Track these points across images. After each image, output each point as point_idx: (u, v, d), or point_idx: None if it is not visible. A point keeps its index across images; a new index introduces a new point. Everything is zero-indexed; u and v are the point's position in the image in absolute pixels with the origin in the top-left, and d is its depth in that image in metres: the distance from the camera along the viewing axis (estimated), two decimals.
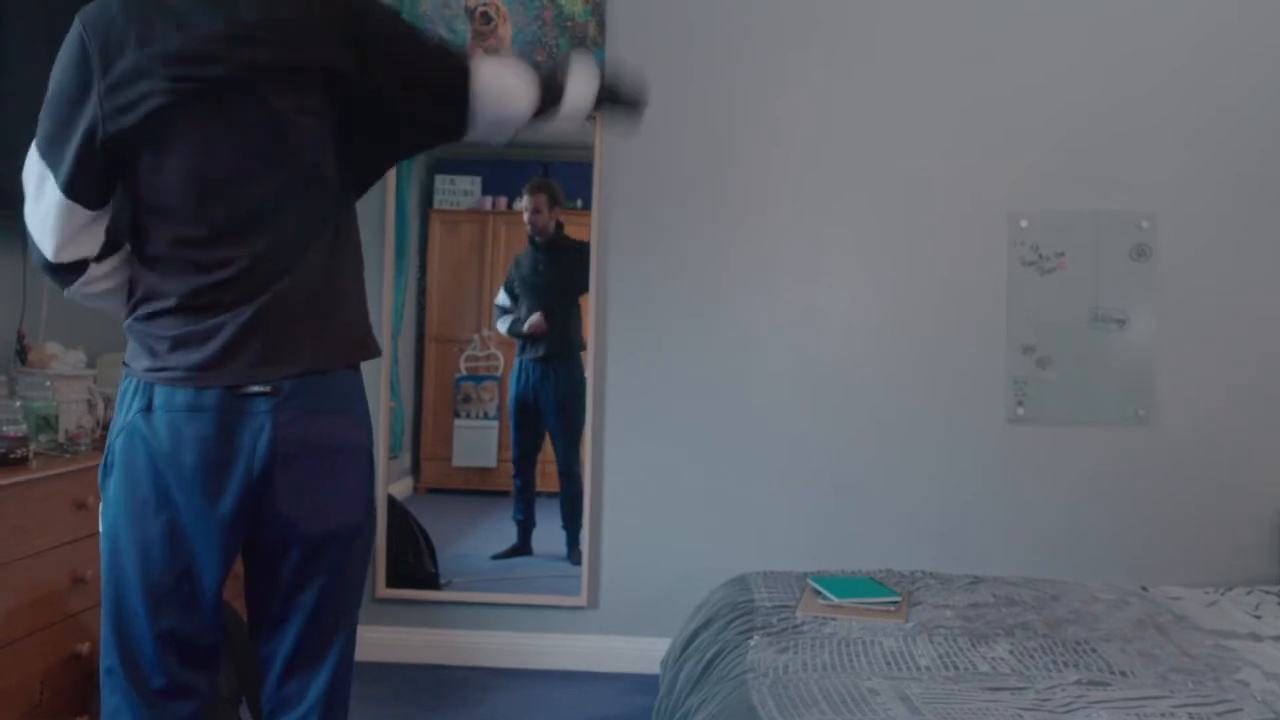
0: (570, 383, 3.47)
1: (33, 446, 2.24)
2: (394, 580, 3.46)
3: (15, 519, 2.03)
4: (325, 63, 1.54)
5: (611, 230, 3.41)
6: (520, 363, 3.55)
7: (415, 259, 3.53)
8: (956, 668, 2.05)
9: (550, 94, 1.68)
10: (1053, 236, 3.34)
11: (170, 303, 1.53)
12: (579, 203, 3.46)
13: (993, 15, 3.36)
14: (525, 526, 3.57)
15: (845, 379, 3.38)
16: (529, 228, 3.52)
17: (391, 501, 3.48)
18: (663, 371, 3.40)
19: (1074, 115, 3.33)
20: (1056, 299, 3.34)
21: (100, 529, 1.60)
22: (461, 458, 3.62)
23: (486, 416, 3.59)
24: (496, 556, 3.55)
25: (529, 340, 3.55)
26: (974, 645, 2.17)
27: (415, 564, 3.49)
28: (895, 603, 2.42)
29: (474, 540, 3.59)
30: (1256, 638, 2.29)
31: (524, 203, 3.51)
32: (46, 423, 2.35)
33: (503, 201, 3.56)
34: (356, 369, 1.66)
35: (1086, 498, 3.33)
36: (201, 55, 1.48)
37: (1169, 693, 1.91)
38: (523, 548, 3.56)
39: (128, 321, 1.59)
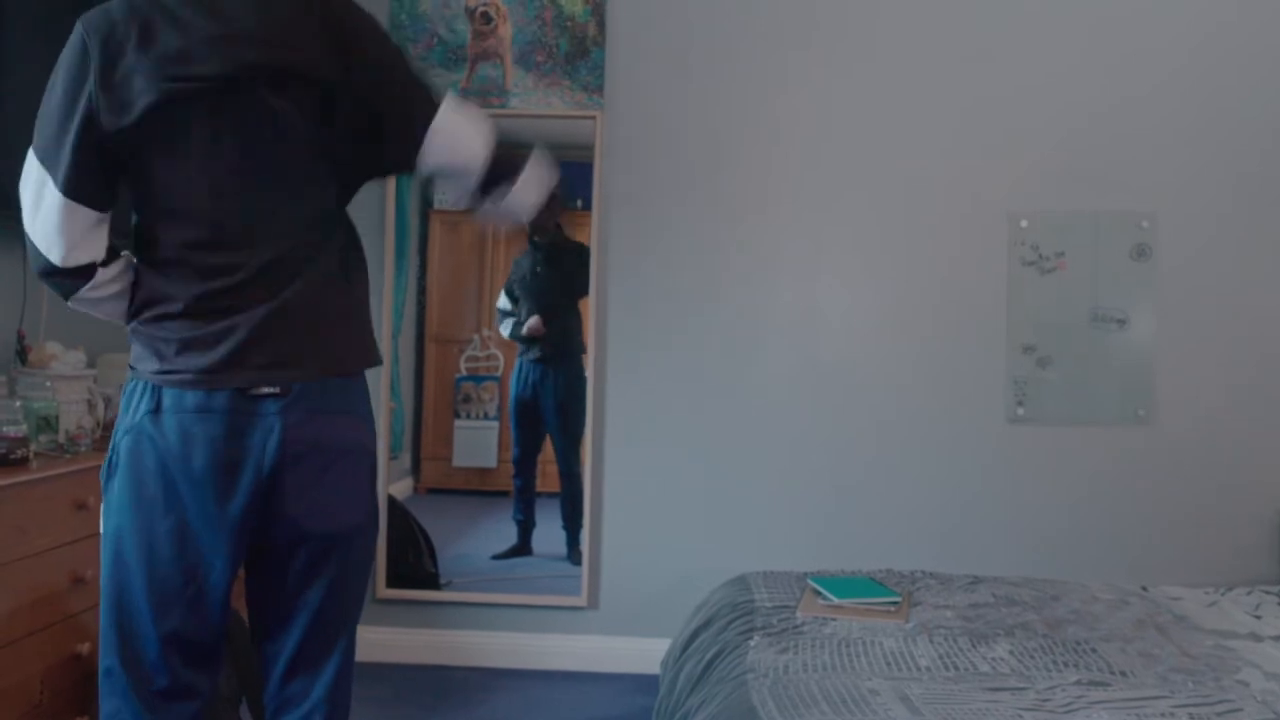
0: (570, 383, 3.47)
1: (33, 447, 2.24)
2: (394, 580, 3.47)
3: (15, 519, 2.03)
4: (319, 67, 1.54)
5: (611, 230, 3.41)
6: (521, 363, 3.55)
7: (415, 259, 3.53)
8: (957, 668, 2.05)
9: (502, 166, 1.64)
10: (1053, 236, 3.34)
11: (177, 306, 1.54)
12: (579, 203, 3.46)
13: (993, 15, 3.36)
14: (525, 527, 3.57)
15: (845, 379, 3.38)
16: (528, 227, 3.51)
17: (392, 502, 3.48)
18: (663, 372, 3.40)
19: (1074, 115, 3.34)
20: (1056, 299, 3.34)
21: (102, 529, 1.59)
22: (462, 458, 3.61)
23: (487, 417, 3.59)
24: (497, 557, 3.55)
25: (530, 341, 3.55)
26: (974, 645, 2.17)
27: (415, 564, 3.49)
28: (895, 603, 2.42)
29: (474, 540, 3.59)
30: (1256, 638, 2.29)
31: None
32: (47, 423, 2.35)
33: None
34: (361, 374, 1.67)
35: (1086, 498, 3.33)
36: (198, 56, 1.49)
37: (1169, 693, 1.91)
38: (523, 548, 3.56)
39: (132, 324, 1.59)
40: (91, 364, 2.67)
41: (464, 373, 3.59)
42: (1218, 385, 3.32)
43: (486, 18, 3.40)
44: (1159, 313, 3.33)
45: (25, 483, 2.07)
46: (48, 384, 2.41)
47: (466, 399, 3.59)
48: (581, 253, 3.42)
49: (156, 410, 1.53)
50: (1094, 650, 2.15)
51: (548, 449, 3.58)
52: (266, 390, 1.53)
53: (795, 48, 3.38)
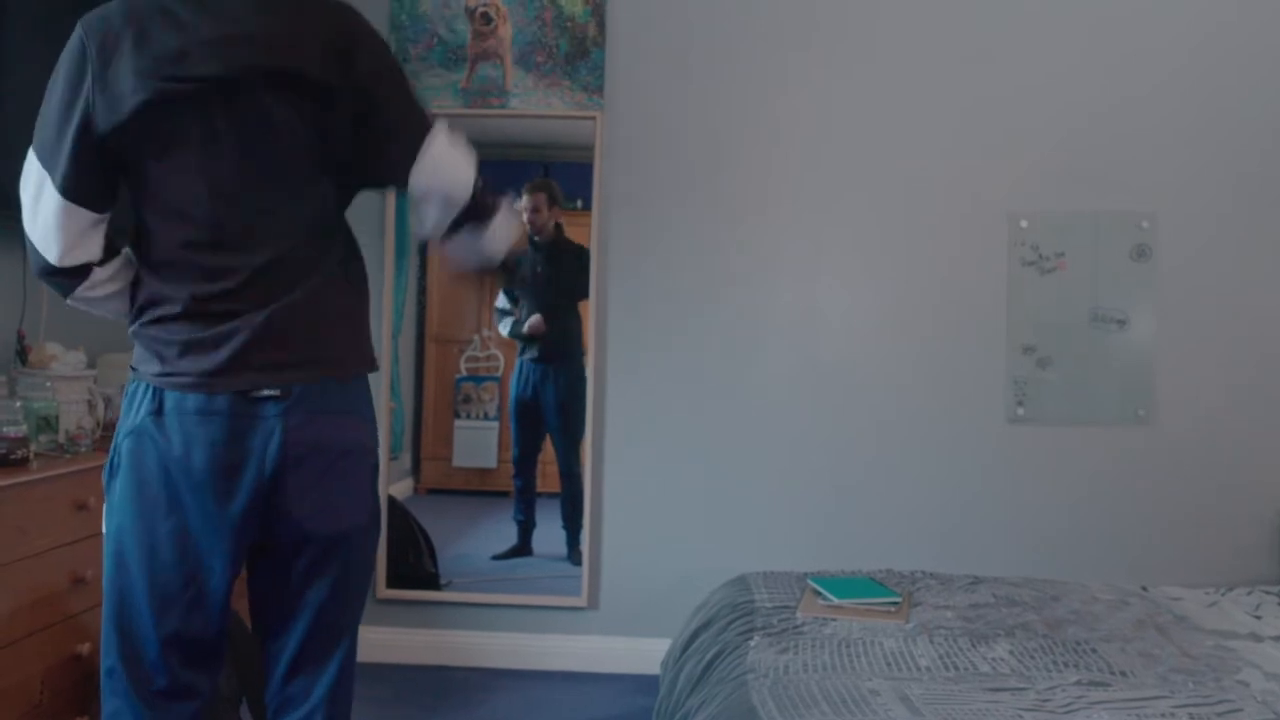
0: (571, 383, 3.47)
1: (33, 447, 2.24)
2: (394, 581, 3.47)
3: (15, 520, 2.03)
4: (318, 71, 1.54)
5: (611, 230, 3.41)
6: (521, 363, 3.55)
7: (415, 259, 3.53)
8: (957, 668, 2.05)
9: (483, 202, 1.67)
10: (1053, 236, 3.34)
11: (176, 308, 1.54)
12: (579, 203, 3.46)
13: (993, 15, 3.36)
14: (525, 527, 3.57)
15: (845, 379, 3.38)
16: (528, 227, 3.52)
17: (392, 502, 3.48)
18: (663, 372, 3.40)
19: (1074, 115, 3.34)
20: (1056, 299, 3.34)
21: (104, 530, 1.60)
22: (462, 458, 3.61)
23: (487, 417, 3.59)
24: (497, 557, 3.55)
25: (530, 340, 3.55)
26: (974, 646, 2.17)
27: (416, 564, 3.49)
28: (895, 603, 2.42)
29: (474, 541, 3.59)
30: (1257, 638, 2.29)
31: (523, 202, 3.51)
32: (47, 423, 2.35)
33: None
34: (363, 375, 1.67)
35: (1086, 498, 3.33)
36: (197, 56, 1.49)
37: (1169, 693, 1.91)
38: (523, 548, 3.56)
39: (133, 327, 1.60)
40: (92, 364, 2.67)
41: (464, 373, 3.59)
42: (1218, 385, 3.32)
43: (486, 18, 3.40)
44: (1159, 313, 3.33)
45: (25, 483, 2.07)
46: (48, 384, 2.41)
47: (466, 399, 3.59)
48: (582, 255, 3.42)
49: (158, 412, 1.53)
50: (1094, 650, 2.15)
51: (548, 449, 3.58)
52: (267, 392, 1.53)
53: (795, 48, 3.38)
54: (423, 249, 3.52)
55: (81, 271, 1.58)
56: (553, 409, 3.54)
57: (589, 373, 3.42)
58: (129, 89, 1.47)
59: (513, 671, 3.37)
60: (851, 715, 1.78)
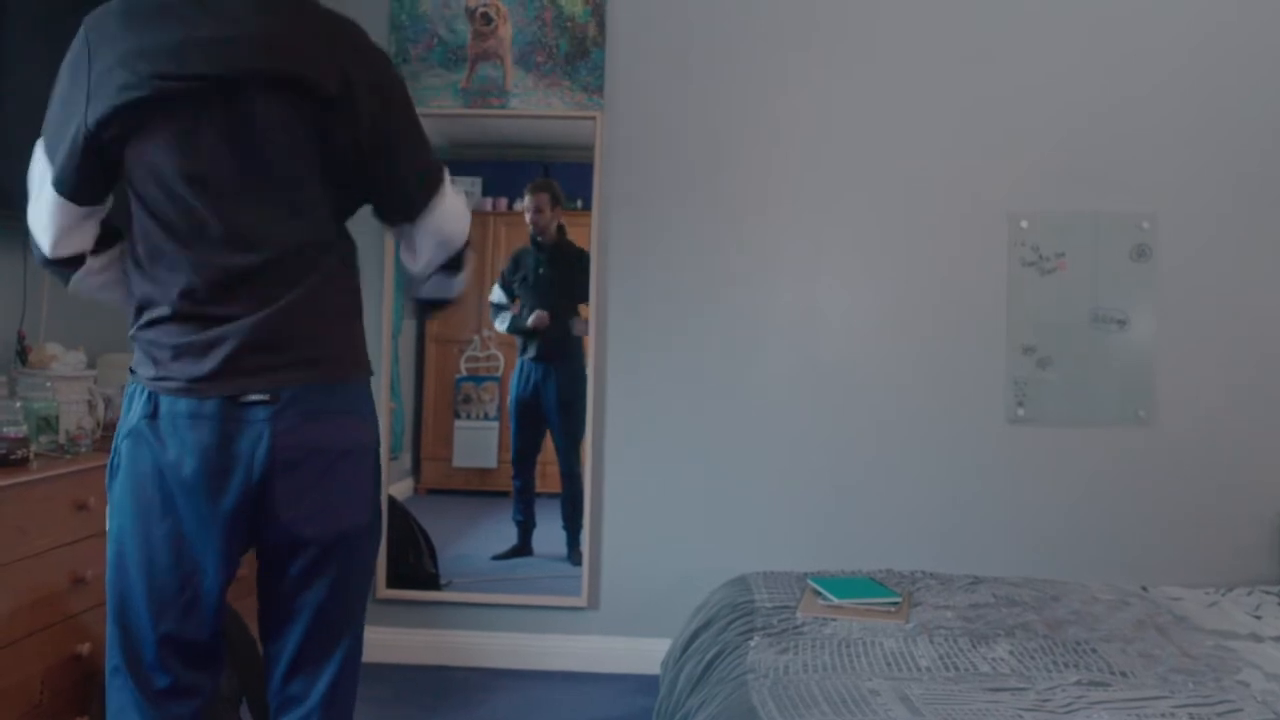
0: (572, 383, 3.47)
1: (33, 447, 2.24)
2: (394, 581, 3.47)
3: (15, 520, 2.03)
4: (319, 78, 1.53)
5: (611, 230, 3.41)
6: (522, 363, 3.55)
7: None
8: (957, 668, 2.05)
9: (464, 254, 1.75)
10: (1053, 237, 3.34)
11: (166, 310, 1.55)
12: (579, 203, 3.46)
13: (993, 15, 3.36)
14: (525, 527, 3.57)
15: (845, 379, 3.38)
16: (531, 228, 3.52)
17: (392, 502, 3.48)
18: (663, 372, 3.40)
19: (1074, 115, 3.34)
20: (1056, 299, 3.34)
21: (107, 529, 1.61)
22: (462, 458, 3.62)
23: (487, 417, 3.59)
24: (497, 557, 3.55)
25: (530, 339, 3.55)
26: (974, 646, 2.17)
27: (416, 565, 3.49)
28: (895, 603, 2.42)
29: (474, 541, 3.59)
30: (1257, 638, 2.29)
31: (526, 202, 3.51)
32: (47, 423, 2.35)
33: (503, 202, 3.56)
34: (362, 377, 1.67)
35: (1086, 498, 3.33)
36: (195, 56, 1.49)
37: (1169, 693, 1.91)
38: (523, 548, 3.56)
39: (131, 331, 1.61)
40: (92, 364, 2.67)
41: (464, 373, 3.59)
42: (1218, 385, 3.32)
43: (486, 18, 3.40)
44: (1159, 313, 3.33)
45: (25, 483, 2.07)
46: (48, 384, 2.41)
47: (466, 399, 3.59)
48: (583, 258, 3.42)
49: (153, 416, 1.54)
50: (1094, 651, 2.15)
51: (548, 449, 3.58)
52: (255, 397, 1.53)
53: (795, 48, 3.38)
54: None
55: (74, 261, 1.61)
56: (554, 408, 3.54)
57: (589, 372, 3.42)
58: (128, 86, 1.47)
59: (513, 671, 3.37)
60: (851, 715, 1.78)
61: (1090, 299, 3.33)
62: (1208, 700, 1.87)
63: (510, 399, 3.56)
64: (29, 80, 2.22)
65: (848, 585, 2.54)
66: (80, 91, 1.50)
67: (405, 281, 1.91)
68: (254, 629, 1.77)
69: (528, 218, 3.52)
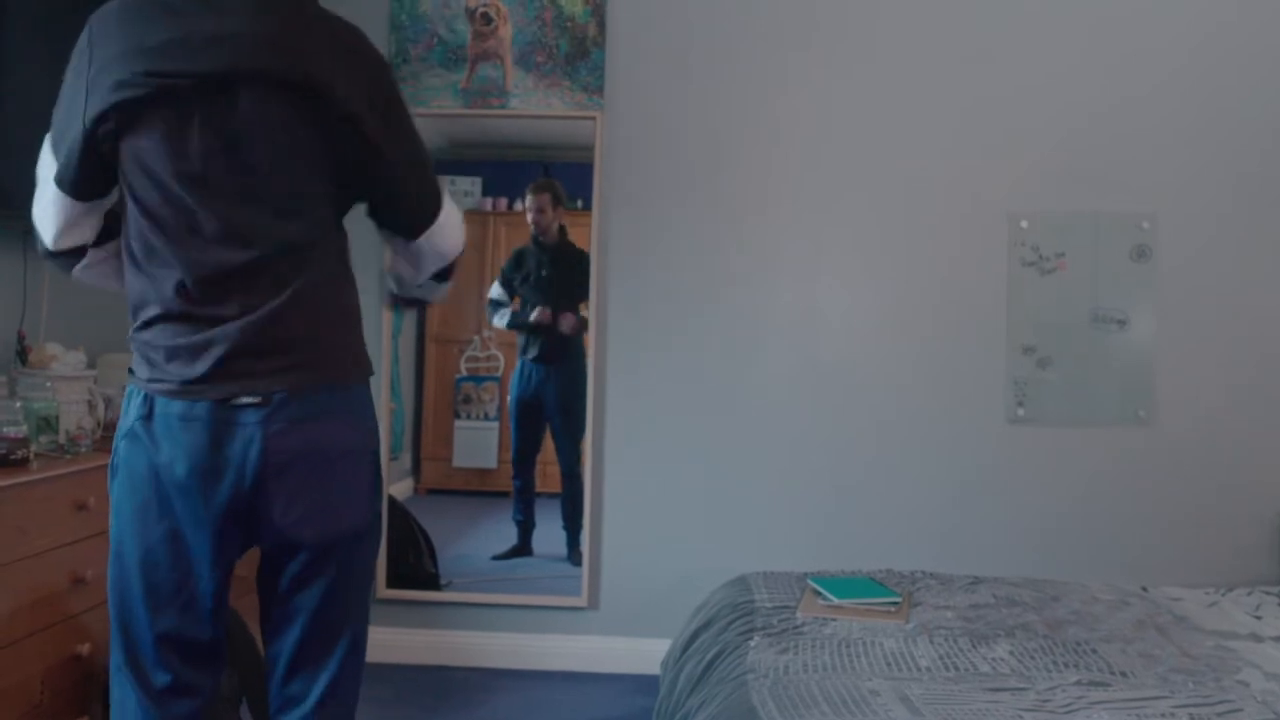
0: (572, 383, 3.47)
1: (33, 447, 2.24)
2: (395, 581, 3.47)
3: (15, 520, 2.03)
4: (317, 77, 1.53)
5: (611, 230, 3.41)
6: (522, 363, 3.55)
7: None
8: (957, 668, 2.05)
9: (456, 263, 1.79)
10: (1053, 237, 3.34)
11: (157, 310, 1.55)
12: (579, 203, 3.46)
13: (993, 15, 3.36)
14: (525, 527, 3.57)
15: (845, 379, 3.38)
16: (532, 228, 3.52)
17: (392, 502, 3.48)
18: (663, 372, 3.40)
19: (1074, 115, 3.34)
20: (1056, 299, 3.34)
21: (109, 528, 1.61)
22: (462, 458, 3.62)
23: (487, 417, 3.59)
24: (497, 557, 3.55)
25: (531, 340, 3.55)
26: (974, 646, 2.17)
27: (416, 565, 3.49)
28: (895, 603, 2.42)
29: (474, 541, 3.59)
30: (1257, 638, 2.29)
31: (528, 202, 3.51)
32: (47, 424, 2.35)
33: (503, 203, 3.56)
34: (360, 379, 1.66)
35: (1086, 498, 3.33)
36: (193, 53, 1.49)
37: (1169, 693, 1.91)
38: (523, 548, 3.56)
39: (129, 333, 1.61)
40: (92, 364, 2.67)
41: (464, 373, 3.59)
42: (1218, 385, 3.32)
43: (486, 18, 3.40)
44: (1159, 313, 3.33)
45: (25, 483, 2.07)
46: (48, 384, 2.41)
47: (466, 399, 3.59)
48: (584, 259, 3.42)
49: (148, 417, 1.55)
50: (1094, 651, 2.15)
51: (548, 449, 3.58)
52: (246, 400, 1.53)
53: (795, 48, 3.38)
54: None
55: (76, 253, 1.62)
56: (555, 408, 3.54)
57: (589, 373, 3.42)
58: (124, 83, 1.48)
59: (513, 671, 3.37)
60: (851, 715, 1.78)
61: (1090, 299, 3.33)
62: (1208, 700, 1.87)
63: (510, 399, 3.56)
64: (29, 80, 2.22)
65: (848, 585, 2.54)
66: (80, 88, 1.51)
67: (382, 274, 1.95)
68: (255, 629, 1.77)
69: (529, 218, 3.52)
